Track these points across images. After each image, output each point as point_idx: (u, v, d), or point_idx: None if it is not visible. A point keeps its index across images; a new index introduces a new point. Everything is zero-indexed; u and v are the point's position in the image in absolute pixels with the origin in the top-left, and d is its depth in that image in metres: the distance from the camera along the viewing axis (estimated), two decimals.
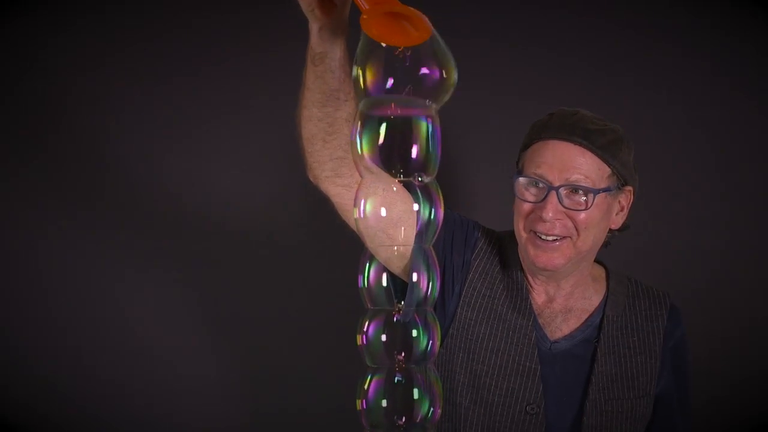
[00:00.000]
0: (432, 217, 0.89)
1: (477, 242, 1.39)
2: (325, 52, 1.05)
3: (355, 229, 1.24)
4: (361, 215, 0.89)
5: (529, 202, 1.30)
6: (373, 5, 0.84)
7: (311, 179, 1.20)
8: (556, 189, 1.27)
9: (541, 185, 1.29)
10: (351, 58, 0.95)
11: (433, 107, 0.86)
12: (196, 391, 1.89)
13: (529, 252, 1.32)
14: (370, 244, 0.92)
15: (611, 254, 1.43)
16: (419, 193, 0.89)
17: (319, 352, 1.86)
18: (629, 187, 1.34)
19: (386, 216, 0.89)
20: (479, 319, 1.35)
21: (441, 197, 0.90)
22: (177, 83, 1.83)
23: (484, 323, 1.35)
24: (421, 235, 0.91)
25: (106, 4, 1.81)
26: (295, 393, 1.88)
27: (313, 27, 1.02)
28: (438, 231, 0.91)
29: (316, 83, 1.08)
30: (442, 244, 1.35)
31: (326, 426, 1.84)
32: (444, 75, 0.84)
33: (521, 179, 1.31)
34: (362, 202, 0.89)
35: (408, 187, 0.87)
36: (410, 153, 0.85)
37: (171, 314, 1.87)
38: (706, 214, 1.90)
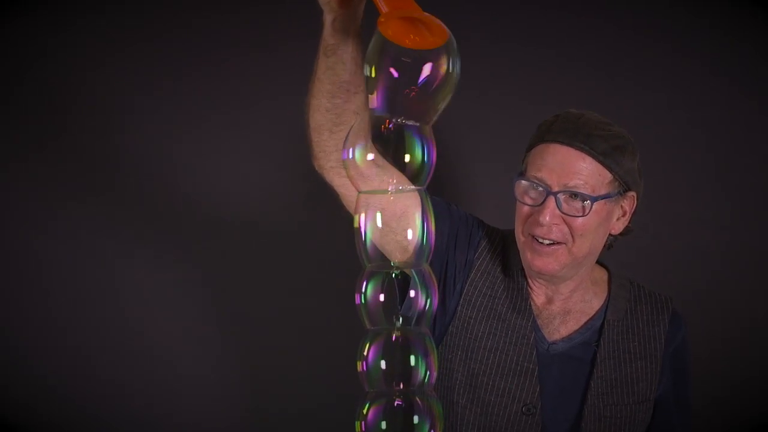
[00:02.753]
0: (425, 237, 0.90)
1: (480, 241, 1.39)
2: (337, 44, 1.05)
3: None
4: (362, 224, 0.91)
5: (528, 205, 1.30)
6: (392, 8, 0.85)
7: (316, 169, 1.20)
8: (555, 194, 1.26)
9: (540, 189, 1.28)
10: (363, 52, 0.96)
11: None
12: (196, 391, 1.89)
13: (527, 256, 1.32)
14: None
15: (612, 254, 1.43)
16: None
17: (320, 352, 1.86)
18: (632, 193, 1.33)
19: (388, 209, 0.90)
20: (479, 317, 1.35)
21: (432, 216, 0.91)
22: (180, 81, 1.83)
23: (484, 322, 1.35)
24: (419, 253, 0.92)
25: (107, 3, 1.81)
26: (296, 393, 1.88)
27: (327, 18, 1.03)
28: (432, 249, 0.92)
29: (326, 74, 1.08)
30: (446, 241, 1.35)
31: (326, 426, 1.84)
32: (446, 76, 0.85)
33: (522, 182, 1.31)
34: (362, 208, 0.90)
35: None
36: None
37: (171, 314, 1.87)
38: (707, 214, 1.90)
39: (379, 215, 0.90)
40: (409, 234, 0.91)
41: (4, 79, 1.79)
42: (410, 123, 0.86)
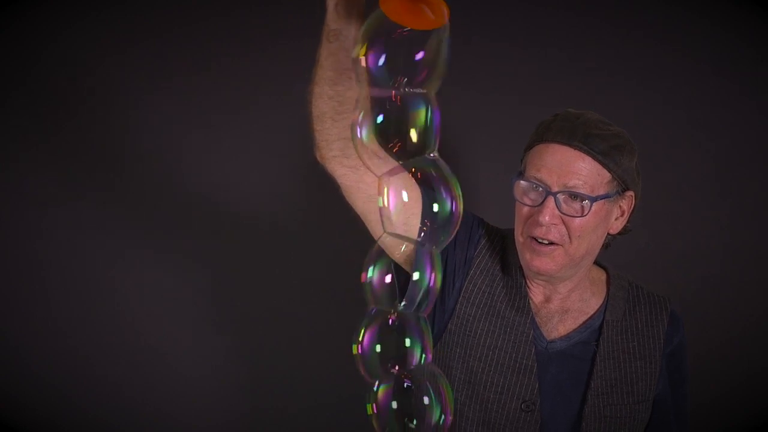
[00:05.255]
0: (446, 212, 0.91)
1: (480, 239, 1.39)
2: (339, 30, 1.04)
3: (359, 212, 1.23)
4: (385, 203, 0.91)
5: (528, 205, 1.30)
6: None
7: (318, 159, 1.19)
8: (554, 194, 1.27)
9: (539, 189, 1.29)
10: None
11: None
12: (197, 392, 1.89)
13: (525, 256, 1.32)
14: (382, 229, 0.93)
15: (611, 254, 1.43)
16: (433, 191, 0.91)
17: (321, 352, 1.86)
18: (630, 193, 1.34)
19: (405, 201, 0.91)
20: (478, 315, 1.36)
21: (459, 194, 0.91)
22: (184, 80, 1.83)
23: (483, 319, 1.35)
24: (429, 234, 0.91)
25: (109, 3, 1.81)
26: (296, 393, 1.88)
27: (330, 2, 1.03)
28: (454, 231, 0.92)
29: (328, 60, 1.08)
30: None
31: (327, 426, 1.85)
32: (436, 64, 0.86)
33: (522, 183, 1.31)
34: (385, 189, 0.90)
35: (424, 182, 0.89)
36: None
37: (172, 314, 1.87)
38: (706, 214, 1.90)
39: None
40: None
41: (4, 78, 1.79)
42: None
